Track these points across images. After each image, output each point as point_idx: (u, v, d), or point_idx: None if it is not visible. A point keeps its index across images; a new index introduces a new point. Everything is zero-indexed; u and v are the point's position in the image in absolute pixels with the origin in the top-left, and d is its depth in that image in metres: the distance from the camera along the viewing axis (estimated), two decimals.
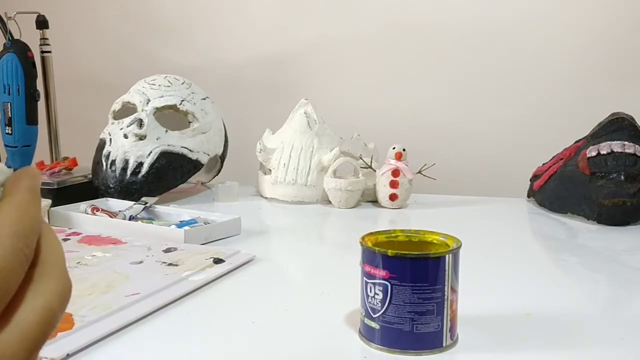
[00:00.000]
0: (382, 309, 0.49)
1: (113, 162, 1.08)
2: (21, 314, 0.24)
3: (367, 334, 0.51)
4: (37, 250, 0.26)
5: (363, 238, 0.53)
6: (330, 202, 1.12)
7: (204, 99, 1.21)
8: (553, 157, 1.14)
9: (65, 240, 0.84)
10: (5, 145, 1.31)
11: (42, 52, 1.36)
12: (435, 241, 0.54)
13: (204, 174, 1.27)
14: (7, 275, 0.23)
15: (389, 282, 0.48)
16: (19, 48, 1.27)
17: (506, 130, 1.43)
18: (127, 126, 1.09)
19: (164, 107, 1.13)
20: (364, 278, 0.51)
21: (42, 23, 1.35)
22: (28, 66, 1.28)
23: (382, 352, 0.49)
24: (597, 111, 1.12)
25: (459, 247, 0.50)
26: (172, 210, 0.97)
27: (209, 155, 1.19)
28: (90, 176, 1.13)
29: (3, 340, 0.23)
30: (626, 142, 0.98)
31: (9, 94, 1.27)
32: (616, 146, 0.98)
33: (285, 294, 0.65)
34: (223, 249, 0.78)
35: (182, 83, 1.20)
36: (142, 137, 1.09)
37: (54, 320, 0.25)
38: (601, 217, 0.96)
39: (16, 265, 0.24)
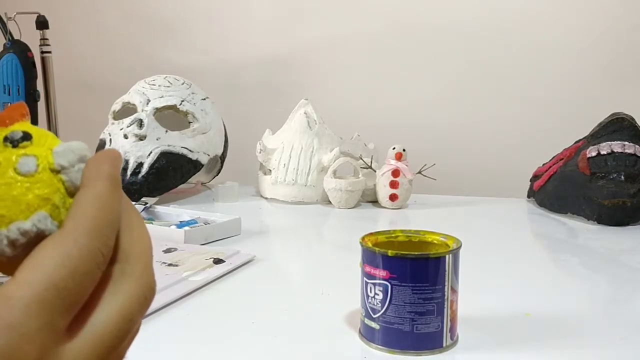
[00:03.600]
0: (382, 309, 0.49)
1: None
2: (96, 318, 0.22)
3: (367, 334, 0.51)
4: (119, 245, 0.24)
5: (363, 238, 0.53)
6: (330, 203, 1.12)
7: (204, 99, 1.21)
8: (553, 158, 1.14)
9: None
10: None
11: (42, 52, 1.36)
12: (435, 241, 0.54)
13: (204, 174, 1.26)
14: (81, 277, 0.21)
15: (389, 283, 0.48)
16: (19, 48, 1.27)
17: (506, 130, 1.43)
18: (127, 126, 1.09)
19: (164, 108, 1.13)
20: (364, 278, 0.51)
21: (42, 23, 1.35)
22: (28, 66, 1.28)
23: (382, 353, 0.49)
24: (597, 111, 1.12)
25: (459, 248, 0.50)
26: (172, 211, 0.97)
27: (209, 155, 1.19)
28: None
29: (75, 348, 0.21)
30: (626, 143, 0.98)
31: (9, 94, 1.27)
32: (616, 146, 0.98)
33: (285, 294, 0.65)
34: (223, 249, 0.78)
35: (182, 83, 1.20)
36: (142, 138, 1.09)
37: (131, 325, 0.23)
38: (601, 218, 0.96)
39: (92, 267, 0.22)
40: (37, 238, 0.23)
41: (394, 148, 1.11)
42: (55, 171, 0.24)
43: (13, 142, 0.24)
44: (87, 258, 0.22)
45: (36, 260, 0.21)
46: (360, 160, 1.17)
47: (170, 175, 1.11)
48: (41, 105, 1.34)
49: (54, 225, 0.23)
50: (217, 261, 0.72)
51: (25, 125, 0.25)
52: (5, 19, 1.28)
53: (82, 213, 0.23)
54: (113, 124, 1.15)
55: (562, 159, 1.10)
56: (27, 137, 0.24)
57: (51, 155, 0.24)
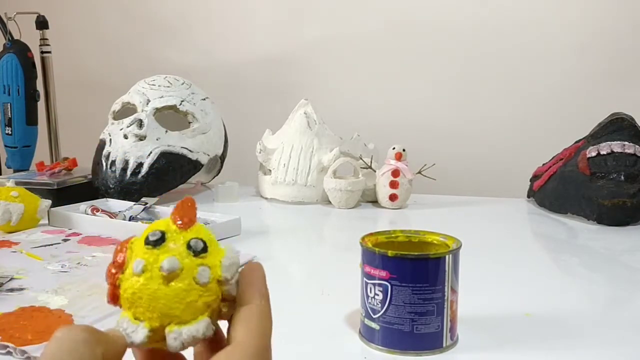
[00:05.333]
0: (382, 309, 0.49)
1: (113, 162, 1.08)
2: None
3: (367, 335, 0.51)
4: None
5: (363, 238, 0.53)
6: (330, 203, 1.12)
7: (204, 99, 1.21)
8: (553, 158, 1.14)
9: (65, 240, 0.84)
10: (5, 146, 1.31)
11: (42, 52, 1.36)
12: (435, 242, 0.54)
13: (204, 174, 1.26)
14: None
15: (389, 283, 0.48)
16: (19, 48, 1.27)
17: (506, 130, 1.43)
18: (127, 126, 1.09)
19: (163, 108, 1.13)
20: (364, 279, 0.51)
21: (42, 23, 1.35)
22: (28, 67, 1.28)
23: (382, 353, 0.49)
24: (597, 111, 1.12)
25: (458, 248, 0.50)
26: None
27: (209, 155, 1.19)
28: (90, 177, 1.13)
29: None
30: (626, 143, 0.98)
31: (9, 94, 1.27)
32: (616, 146, 0.98)
33: (285, 294, 0.65)
34: None
35: (182, 83, 1.20)
36: (142, 138, 1.09)
37: None
38: (601, 218, 0.96)
39: None
40: (200, 340, 0.27)
41: (394, 148, 1.11)
42: (220, 282, 0.28)
43: (195, 252, 0.27)
44: None
45: None
46: (360, 160, 1.17)
47: (170, 175, 1.11)
48: (41, 105, 1.34)
49: (213, 330, 0.27)
50: None
51: (199, 230, 0.28)
52: (5, 19, 1.28)
53: (250, 330, 0.27)
54: (113, 124, 1.15)
55: (562, 159, 1.10)
56: (205, 249, 0.28)
57: (220, 268, 0.28)
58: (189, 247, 0.27)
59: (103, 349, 0.24)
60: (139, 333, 0.26)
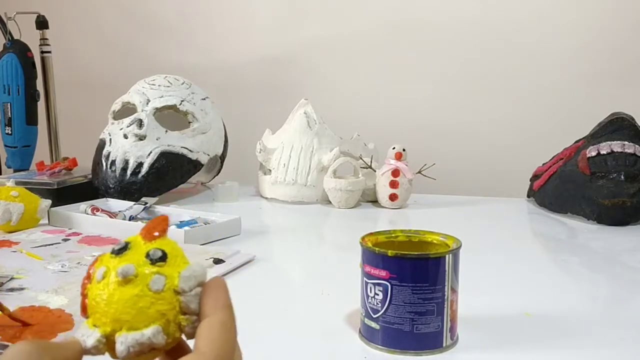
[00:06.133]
0: (382, 309, 0.49)
1: (113, 162, 1.08)
2: None
3: (368, 334, 0.51)
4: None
5: (363, 238, 0.53)
6: (330, 202, 1.12)
7: (204, 99, 1.21)
8: (553, 157, 1.14)
9: (65, 240, 0.84)
10: (5, 146, 1.31)
11: (42, 52, 1.36)
12: (435, 241, 0.54)
13: (204, 174, 1.26)
14: None
15: (389, 283, 0.48)
16: (19, 48, 1.27)
17: (506, 130, 1.43)
18: (127, 126, 1.09)
19: (163, 107, 1.13)
20: (364, 278, 0.51)
21: (42, 23, 1.35)
22: (28, 66, 1.28)
23: (382, 353, 0.49)
24: (597, 111, 1.12)
25: (459, 248, 0.50)
26: (172, 211, 0.97)
27: (208, 155, 1.19)
28: (90, 176, 1.13)
29: None
30: (626, 142, 0.98)
31: (9, 94, 1.27)
32: (616, 146, 0.98)
33: (285, 294, 0.65)
34: (223, 249, 0.78)
35: (182, 83, 1.20)
36: (142, 137, 1.09)
37: None
38: (601, 217, 0.96)
39: None
40: (147, 347, 0.27)
41: (394, 148, 1.11)
42: (177, 292, 0.28)
43: (152, 260, 0.28)
44: None
45: None
46: (360, 160, 1.17)
47: (170, 175, 1.11)
48: (41, 105, 1.34)
49: (163, 339, 0.27)
50: (217, 261, 0.72)
51: (164, 243, 0.29)
52: (5, 19, 1.28)
53: (212, 340, 0.27)
54: (113, 124, 1.15)
55: (562, 158, 1.10)
56: (163, 258, 0.28)
57: (177, 279, 0.28)
58: (147, 255, 0.28)
59: (52, 358, 0.25)
60: (91, 337, 0.27)
